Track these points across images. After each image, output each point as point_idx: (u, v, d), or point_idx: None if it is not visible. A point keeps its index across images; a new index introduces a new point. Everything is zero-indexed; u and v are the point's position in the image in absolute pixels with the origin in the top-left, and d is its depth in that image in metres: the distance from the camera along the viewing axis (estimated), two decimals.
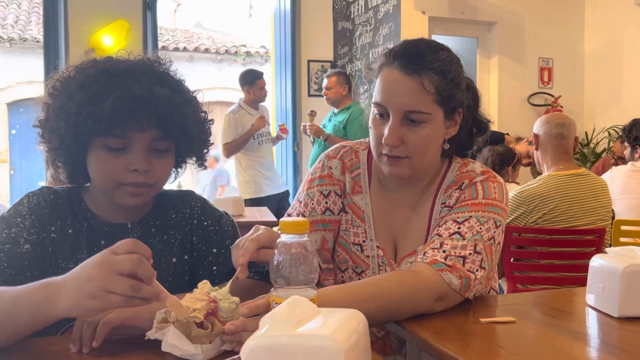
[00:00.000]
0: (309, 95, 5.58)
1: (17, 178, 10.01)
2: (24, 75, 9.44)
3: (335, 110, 4.54)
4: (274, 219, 3.47)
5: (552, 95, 5.53)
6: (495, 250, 1.17)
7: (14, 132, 10.01)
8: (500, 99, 5.43)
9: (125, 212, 1.15)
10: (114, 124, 1.03)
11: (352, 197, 1.29)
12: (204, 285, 0.90)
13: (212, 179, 8.32)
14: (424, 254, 1.13)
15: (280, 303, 0.73)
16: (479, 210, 1.17)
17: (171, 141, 1.11)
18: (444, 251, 1.11)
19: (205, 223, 1.19)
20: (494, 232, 1.16)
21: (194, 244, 1.17)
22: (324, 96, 4.52)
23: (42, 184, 3.53)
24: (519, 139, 4.13)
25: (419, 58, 1.14)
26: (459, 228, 1.14)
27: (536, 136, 2.45)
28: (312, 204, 1.29)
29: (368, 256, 1.26)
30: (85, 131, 1.04)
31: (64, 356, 0.89)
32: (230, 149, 4.44)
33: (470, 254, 1.12)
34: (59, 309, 0.83)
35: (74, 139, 1.06)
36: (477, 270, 1.12)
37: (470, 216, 1.16)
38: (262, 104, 4.65)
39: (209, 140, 1.21)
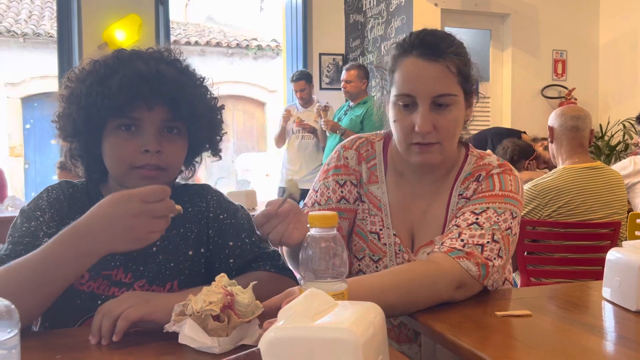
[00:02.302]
0: (321, 88, 5.57)
1: (31, 172, 10.11)
2: (38, 70, 9.52)
3: (352, 104, 4.53)
4: None
5: (566, 88, 5.48)
6: (512, 241, 1.18)
7: (28, 126, 10.11)
8: (513, 91, 5.39)
9: None
10: (122, 102, 1.04)
11: (368, 187, 1.31)
12: (221, 278, 0.91)
13: None
14: (441, 244, 1.14)
15: None
16: (495, 201, 1.19)
17: (181, 123, 1.11)
18: (462, 240, 1.13)
19: (222, 216, 1.19)
20: (511, 222, 1.18)
21: (210, 237, 1.18)
22: (343, 89, 4.53)
23: (56, 178, 3.57)
24: (535, 139, 4.10)
25: (438, 44, 1.18)
26: (476, 219, 1.16)
27: (551, 129, 2.44)
28: (328, 192, 1.31)
29: (385, 244, 1.28)
30: (96, 112, 1.05)
31: (83, 347, 0.90)
32: None
33: (488, 242, 1.13)
34: (97, 256, 0.92)
35: (86, 123, 1.07)
36: (494, 258, 1.13)
37: (488, 207, 1.18)
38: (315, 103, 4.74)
39: (221, 127, 1.21)
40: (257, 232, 1.21)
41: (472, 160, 1.30)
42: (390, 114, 1.24)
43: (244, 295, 0.89)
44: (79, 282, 1.07)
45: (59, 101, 1.13)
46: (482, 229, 1.15)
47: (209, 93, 1.19)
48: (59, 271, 0.92)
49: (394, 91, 1.21)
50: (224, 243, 1.17)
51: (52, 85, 7.95)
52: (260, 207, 3.48)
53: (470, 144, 1.34)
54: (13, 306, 0.67)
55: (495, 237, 1.14)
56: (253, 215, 1.23)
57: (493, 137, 4.18)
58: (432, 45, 1.17)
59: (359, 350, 0.64)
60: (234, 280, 0.92)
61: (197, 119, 1.13)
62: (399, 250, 1.27)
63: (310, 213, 0.84)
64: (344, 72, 4.57)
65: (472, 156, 1.31)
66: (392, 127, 1.25)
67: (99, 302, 1.07)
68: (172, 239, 1.15)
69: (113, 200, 0.90)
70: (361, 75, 4.46)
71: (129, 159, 1.08)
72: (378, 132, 1.37)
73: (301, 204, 1.35)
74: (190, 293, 0.93)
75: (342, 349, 0.64)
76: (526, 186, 2.32)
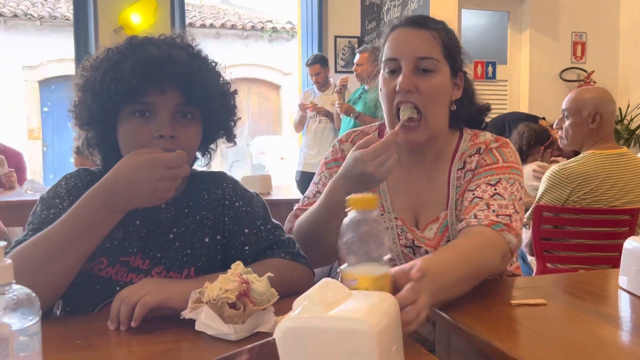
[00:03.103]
0: (336, 71, 5.53)
1: (49, 155, 10.23)
2: (55, 53, 9.59)
3: (366, 87, 4.50)
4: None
5: (585, 71, 5.40)
6: (522, 211, 1.25)
7: (45, 109, 10.21)
8: (531, 74, 5.31)
9: None
10: (135, 86, 1.05)
11: None
12: (237, 266, 0.92)
13: None
14: (474, 217, 1.18)
15: (353, 280, 0.77)
16: (504, 172, 1.25)
17: (195, 107, 1.12)
18: (494, 211, 1.18)
19: (237, 204, 1.20)
20: (520, 193, 1.25)
21: (225, 225, 1.19)
22: (354, 72, 4.51)
23: (73, 161, 3.62)
24: (552, 126, 4.03)
25: (424, 19, 1.29)
26: (495, 189, 1.22)
27: (577, 110, 2.37)
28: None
29: (387, 227, 1.31)
30: (110, 98, 1.06)
31: (102, 333, 0.92)
32: None
33: (513, 213, 1.19)
34: (122, 213, 1.00)
35: (101, 110, 1.09)
36: (520, 228, 1.19)
37: (500, 178, 1.24)
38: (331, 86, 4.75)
39: (235, 112, 1.22)
40: (272, 220, 1.23)
41: (467, 138, 1.35)
42: (379, 86, 1.31)
43: (260, 283, 0.89)
44: (98, 269, 1.09)
45: (75, 90, 1.14)
46: (504, 199, 1.20)
47: (221, 78, 1.19)
48: (92, 231, 0.98)
49: (383, 58, 1.29)
50: (240, 230, 1.18)
51: (68, 68, 8.01)
52: (275, 192, 3.50)
53: (464, 127, 1.37)
54: (34, 294, 0.69)
55: (516, 208, 1.20)
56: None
57: (511, 122, 4.13)
58: (418, 18, 1.28)
59: (373, 341, 0.64)
60: (249, 268, 0.93)
61: (210, 103, 1.13)
62: (402, 231, 1.31)
63: (350, 196, 0.83)
64: (356, 54, 4.55)
65: (467, 134, 1.36)
66: (381, 100, 1.31)
67: (117, 288, 1.08)
68: (189, 226, 1.16)
69: (136, 164, 0.96)
70: (372, 58, 4.42)
71: (143, 145, 1.09)
72: (372, 124, 1.43)
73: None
74: (207, 280, 0.94)
75: (357, 339, 0.64)
76: (553, 169, 2.29)
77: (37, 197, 3.38)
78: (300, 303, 0.70)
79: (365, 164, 1.10)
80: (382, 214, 1.33)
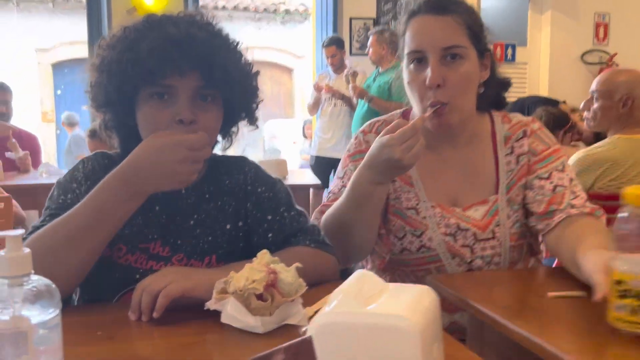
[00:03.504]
0: (351, 54, 5.44)
1: (63, 138, 10.26)
2: (68, 35, 9.56)
3: (381, 70, 4.44)
4: (317, 181, 3.44)
5: (608, 53, 5.27)
6: None
7: (59, 92, 10.22)
8: (552, 57, 5.20)
9: None
10: (153, 67, 1.00)
11: None
12: (263, 255, 0.88)
13: None
14: (571, 206, 1.19)
15: (630, 281, 0.77)
16: (560, 155, 1.27)
17: (215, 90, 1.07)
18: (582, 197, 1.21)
19: (259, 189, 1.16)
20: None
21: (248, 211, 1.15)
22: (368, 55, 4.46)
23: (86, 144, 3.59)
24: (574, 110, 3.94)
25: (444, 2, 1.21)
26: (567, 174, 1.24)
27: (608, 93, 2.29)
28: None
29: (425, 217, 1.27)
30: (127, 79, 1.02)
31: (123, 324, 0.89)
32: None
33: (585, 197, 1.22)
34: (145, 196, 0.97)
35: (118, 92, 1.04)
36: None
37: (563, 163, 1.26)
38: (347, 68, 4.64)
39: (257, 94, 1.16)
40: (296, 206, 1.18)
41: (498, 120, 1.32)
42: (405, 77, 1.25)
43: (288, 274, 0.85)
44: (117, 256, 1.06)
45: (91, 70, 1.09)
46: (576, 183, 1.24)
47: (243, 58, 1.14)
48: (112, 215, 0.95)
49: (405, 52, 1.23)
50: (263, 217, 1.14)
51: (81, 51, 7.97)
52: (291, 176, 3.46)
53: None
54: (54, 285, 0.65)
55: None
56: None
57: (530, 106, 4.04)
58: (438, 2, 1.21)
59: (416, 339, 0.60)
60: (276, 258, 0.89)
61: (232, 85, 1.07)
62: (442, 217, 1.26)
63: (627, 192, 0.83)
64: (369, 37, 4.49)
65: (496, 116, 1.33)
66: (408, 92, 1.26)
67: (137, 275, 1.05)
68: (210, 212, 1.12)
69: (158, 146, 0.94)
70: (380, 40, 4.35)
71: (162, 129, 1.05)
72: (393, 112, 1.38)
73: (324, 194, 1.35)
74: (232, 269, 0.90)
75: (399, 337, 0.60)
76: (578, 155, 2.22)
77: (52, 180, 3.35)
78: (336, 296, 0.66)
79: (392, 149, 1.05)
80: (417, 204, 1.28)
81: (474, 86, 1.24)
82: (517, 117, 1.34)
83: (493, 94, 1.31)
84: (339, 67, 4.72)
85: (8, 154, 3.58)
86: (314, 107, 4.87)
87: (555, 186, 1.22)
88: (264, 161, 3.39)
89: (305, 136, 8.50)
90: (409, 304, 0.65)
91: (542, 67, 5.35)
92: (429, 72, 1.18)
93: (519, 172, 1.28)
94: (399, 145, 1.05)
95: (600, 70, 4.92)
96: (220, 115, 1.10)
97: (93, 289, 1.06)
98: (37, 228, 0.99)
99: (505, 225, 1.25)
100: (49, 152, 9.43)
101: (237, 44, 1.12)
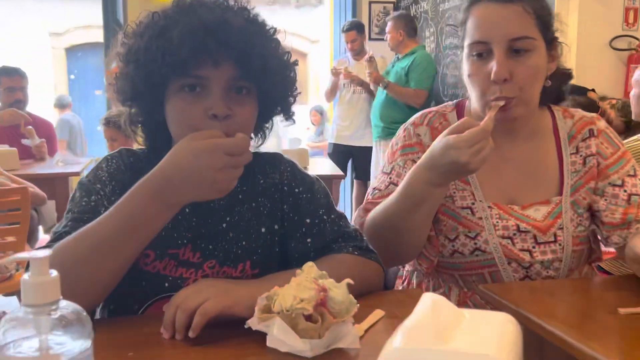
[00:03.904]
0: (370, 39, 5.30)
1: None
2: (82, 20, 9.48)
3: (399, 56, 4.31)
4: (339, 172, 3.35)
5: (638, 39, 5.07)
6: None
7: (72, 77, 10.17)
8: (579, 42, 5.01)
9: None
10: (185, 56, 0.90)
11: None
12: (310, 269, 0.79)
13: None
14: None
15: None
16: (629, 159, 1.21)
17: (251, 82, 0.98)
18: None
19: (297, 190, 1.07)
20: None
21: (284, 213, 1.06)
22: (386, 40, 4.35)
23: (100, 129, 3.51)
24: (603, 99, 3.80)
25: None
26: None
27: None
28: (405, 171, 1.19)
29: (481, 217, 1.18)
30: (156, 69, 0.92)
31: (155, 343, 0.81)
32: None
33: None
34: (178, 207, 0.87)
35: (146, 83, 0.95)
36: None
37: (634, 167, 1.20)
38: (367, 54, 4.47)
39: (295, 87, 1.07)
40: (336, 209, 1.09)
41: (559, 115, 1.25)
42: (464, 69, 1.16)
43: (338, 291, 0.76)
44: (144, 262, 0.97)
45: (116, 61, 1.00)
46: None
47: (280, 47, 1.04)
48: (143, 226, 0.85)
49: (466, 42, 1.14)
50: (300, 220, 1.05)
51: (96, 35, 7.90)
52: (312, 167, 3.37)
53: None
54: (84, 313, 0.57)
55: None
56: None
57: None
58: None
59: None
60: (324, 272, 0.80)
61: (269, 77, 0.98)
62: (500, 219, 1.17)
63: None
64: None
65: (557, 111, 1.26)
66: (468, 85, 1.16)
67: (166, 284, 0.97)
68: (243, 214, 1.04)
69: (194, 150, 0.82)
70: (397, 25, 4.21)
71: (195, 124, 0.95)
72: (446, 103, 1.30)
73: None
74: (273, 282, 0.81)
75: None
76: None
77: (69, 170, 3.29)
78: (407, 328, 0.57)
79: (460, 152, 0.96)
80: (473, 203, 1.19)
81: (541, 79, 1.15)
82: (578, 112, 1.26)
83: (555, 87, 1.22)
84: (358, 52, 4.60)
85: (24, 141, 3.51)
86: (332, 93, 4.75)
87: (630, 195, 1.17)
88: (285, 150, 3.30)
89: (313, 123, 8.36)
90: (494, 339, 0.56)
91: (569, 54, 5.19)
92: (494, 65, 1.09)
93: (587, 175, 1.21)
94: (467, 148, 0.96)
95: (630, 57, 4.76)
96: (256, 109, 1.01)
97: (119, 299, 0.97)
98: (58, 235, 0.91)
99: (569, 228, 1.17)
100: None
101: (275, 30, 1.02)
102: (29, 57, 9.46)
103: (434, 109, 1.28)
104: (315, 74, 10.77)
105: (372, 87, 4.38)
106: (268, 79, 0.98)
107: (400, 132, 1.27)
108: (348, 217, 1.11)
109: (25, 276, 0.55)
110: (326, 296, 0.75)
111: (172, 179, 0.83)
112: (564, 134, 1.23)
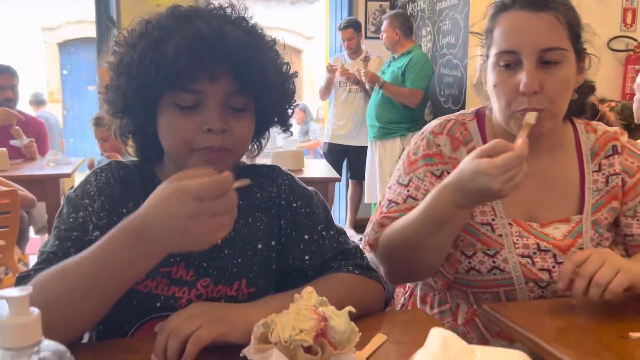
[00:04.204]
0: (366, 37, 5.25)
1: (69, 119, 10.16)
2: (74, 14, 9.38)
3: (395, 55, 4.27)
4: (335, 175, 3.29)
5: (636, 40, 5.05)
6: None
7: (65, 72, 10.07)
8: None
9: None
10: (180, 70, 0.86)
11: None
12: (310, 295, 0.75)
13: None
14: None
15: None
16: None
17: (249, 97, 0.94)
18: None
19: (295, 205, 1.03)
20: None
21: (282, 229, 1.02)
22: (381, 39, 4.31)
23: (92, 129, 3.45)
24: (602, 101, 3.76)
25: None
26: None
27: None
28: (425, 185, 1.15)
29: (501, 235, 1.13)
30: (149, 83, 0.88)
31: None
32: None
33: None
34: (159, 256, 0.76)
35: (138, 96, 0.91)
36: None
37: None
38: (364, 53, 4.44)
39: (294, 98, 1.03)
40: (335, 224, 1.05)
41: (582, 129, 1.21)
42: (490, 79, 1.11)
43: (340, 319, 0.72)
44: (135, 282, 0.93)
45: (107, 70, 0.96)
46: None
47: (279, 59, 1.00)
48: (116, 274, 0.76)
49: (493, 51, 1.08)
50: (298, 236, 1.01)
51: (88, 30, 7.81)
52: (307, 169, 3.31)
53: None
54: (69, 354, 0.53)
55: None
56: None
57: None
58: None
59: None
60: (324, 298, 0.76)
61: (268, 91, 0.94)
62: (520, 237, 1.13)
63: None
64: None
65: (580, 125, 1.22)
66: (493, 95, 1.11)
67: (158, 303, 0.93)
68: (239, 230, 1.00)
69: (166, 194, 0.72)
70: (393, 24, 4.18)
71: (189, 139, 0.91)
72: (465, 111, 1.24)
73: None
74: (270, 305, 0.78)
75: None
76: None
77: (59, 171, 3.22)
78: None
79: (492, 179, 0.91)
80: (493, 219, 1.14)
81: (570, 92, 1.10)
82: (601, 126, 1.22)
83: (580, 100, 1.18)
84: (355, 51, 4.55)
85: (12, 142, 3.45)
86: (326, 91, 4.71)
87: None
88: (280, 152, 3.24)
89: (297, 122, 8.26)
90: None
91: None
92: (523, 76, 1.04)
93: (609, 194, 1.17)
94: (500, 175, 0.91)
95: (627, 58, 4.73)
96: (253, 123, 0.98)
97: (108, 319, 0.92)
98: (46, 255, 0.87)
99: (589, 248, 1.13)
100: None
101: (274, 42, 0.98)
102: (21, 52, 9.36)
103: (451, 116, 1.22)
104: (310, 70, 10.72)
105: (367, 86, 4.34)
106: (267, 94, 0.94)
107: (418, 140, 1.21)
108: (342, 218, 1.06)
109: (3, 317, 0.50)
110: (327, 326, 0.71)
111: (149, 224, 0.73)
112: (587, 149, 1.20)
